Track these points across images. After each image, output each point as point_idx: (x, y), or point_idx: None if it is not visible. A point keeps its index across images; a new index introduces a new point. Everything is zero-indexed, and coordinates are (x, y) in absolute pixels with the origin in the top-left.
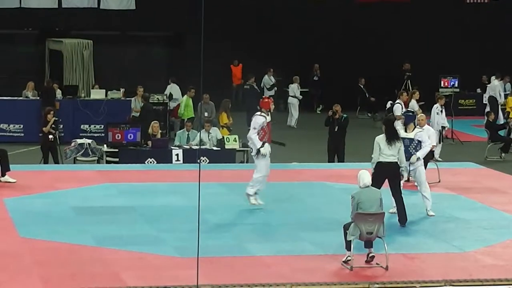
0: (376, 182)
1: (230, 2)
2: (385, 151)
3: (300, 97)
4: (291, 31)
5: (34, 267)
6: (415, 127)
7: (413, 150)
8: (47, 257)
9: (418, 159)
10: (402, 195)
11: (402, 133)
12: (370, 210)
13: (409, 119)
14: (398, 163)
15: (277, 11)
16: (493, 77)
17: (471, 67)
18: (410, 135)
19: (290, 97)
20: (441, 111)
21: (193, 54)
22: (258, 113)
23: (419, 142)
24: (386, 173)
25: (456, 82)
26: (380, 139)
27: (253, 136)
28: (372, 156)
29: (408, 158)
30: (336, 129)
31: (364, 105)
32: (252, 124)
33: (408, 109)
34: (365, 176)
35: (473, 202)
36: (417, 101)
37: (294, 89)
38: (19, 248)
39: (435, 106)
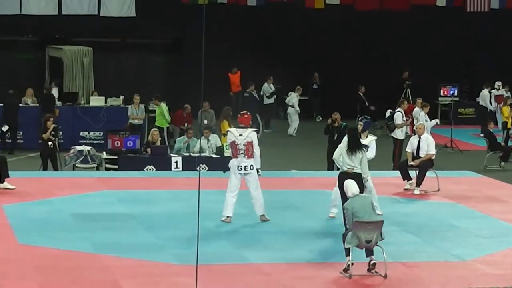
0: (342, 193)
1: (231, 10)
2: (346, 160)
3: (297, 109)
4: (290, 39)
5: (33, 274)
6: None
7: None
8: (46, 264)
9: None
10: None
11: None
12: (365, 216)
13: (366, 125)
14: (362, 174)
15: (276, 19)
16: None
17: (471, 76)
18: (365, 141)
19: (289, 107)
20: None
21: (192, 61)
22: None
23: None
24: None
25: (456, 91)
26: (343, 147)
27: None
28: (340, 163)
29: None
30: (335, 137)
31: (364, 113)
32: (256, 141)
33: (365, 115)
34: (352, 185)
35: (472, 211)
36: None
37: (293, 99)
38: (18, 255)
39: (421, 114)
